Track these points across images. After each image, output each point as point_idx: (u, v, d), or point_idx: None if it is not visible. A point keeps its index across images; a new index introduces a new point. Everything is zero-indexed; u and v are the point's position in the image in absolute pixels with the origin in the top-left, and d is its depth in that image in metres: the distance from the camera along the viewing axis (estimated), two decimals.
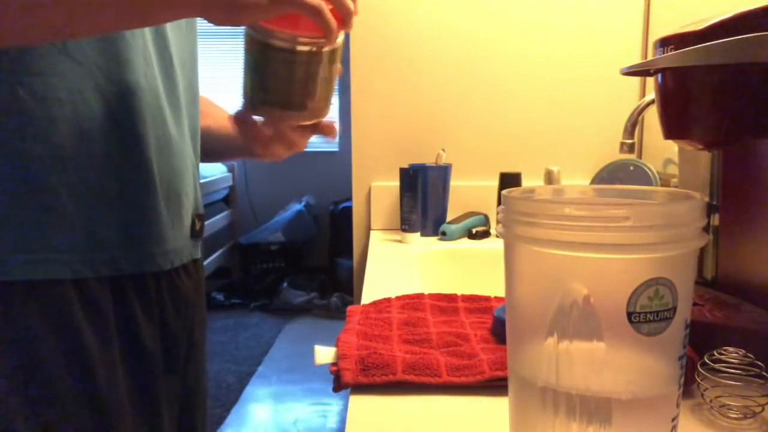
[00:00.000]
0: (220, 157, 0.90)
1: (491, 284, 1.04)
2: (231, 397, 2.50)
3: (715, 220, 0.68)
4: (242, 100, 0.63)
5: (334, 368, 0.56)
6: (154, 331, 0.67)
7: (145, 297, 0.66)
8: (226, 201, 4.05)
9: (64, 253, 0.58)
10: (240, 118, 0.65)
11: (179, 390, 0.73)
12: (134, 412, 0.64)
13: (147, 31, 0.65)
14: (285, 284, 3.72)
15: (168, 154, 0.68)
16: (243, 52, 0.61)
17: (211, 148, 0.84)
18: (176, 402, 0.73)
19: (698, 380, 0.49)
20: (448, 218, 1.29)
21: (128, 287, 0.64)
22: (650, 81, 1.21)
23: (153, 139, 0.65)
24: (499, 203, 1.14)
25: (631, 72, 0.65)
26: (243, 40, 0.60)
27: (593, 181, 1.27)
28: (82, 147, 0.59)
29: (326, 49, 0.58)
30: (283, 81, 0.59)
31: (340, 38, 0.59)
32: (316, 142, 4.24)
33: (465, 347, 0.60)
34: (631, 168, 1.19)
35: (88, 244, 0.60)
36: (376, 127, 1.39)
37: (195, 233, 0.75)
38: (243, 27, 0.57)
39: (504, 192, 0.38)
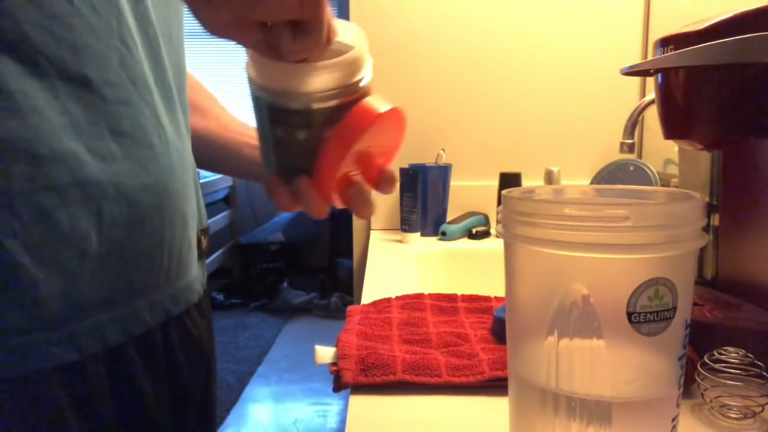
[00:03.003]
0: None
1: (491, 284, 1.04)
2: (231, 397, 2.50)
3: (715, 220, 0.68)
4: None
5: (334, 368, 0.56)
6: (161, 389, 0.54)
7: (149, 353, 0.52)
8: (226, 201, 4.05)
9: (23, 336, 0.41)
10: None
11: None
12: None
13: (124, 2, 0.48)
14: (285, 284, 3.72)
15: (166, 167, 0.51)
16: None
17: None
18: None
19: (698, 380, 0.49)
20: (448, 218, 1.29)
21: (128, 347, 0.49)
22: (650, 81, 1.21)
23: (141, 151, 0.48)
24: (499, 203, 1.14)
25: (631, 72, 0.66)
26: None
27: (593, 181, 1.27)
28: (36, 175, 0.41)
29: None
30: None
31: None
32: None
33: (465, 347, 0.60)
34: (631, 168, 1.19)
35: (64, 310, 0.43)
36: None
37: (201, 253, 0.62)
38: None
39: (504, 192, 0.38)
